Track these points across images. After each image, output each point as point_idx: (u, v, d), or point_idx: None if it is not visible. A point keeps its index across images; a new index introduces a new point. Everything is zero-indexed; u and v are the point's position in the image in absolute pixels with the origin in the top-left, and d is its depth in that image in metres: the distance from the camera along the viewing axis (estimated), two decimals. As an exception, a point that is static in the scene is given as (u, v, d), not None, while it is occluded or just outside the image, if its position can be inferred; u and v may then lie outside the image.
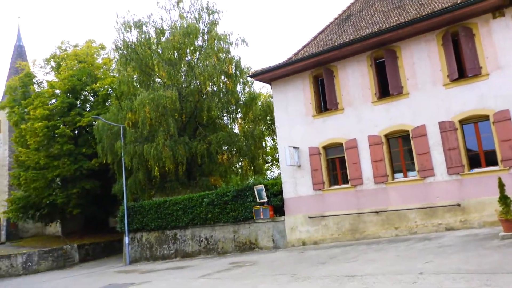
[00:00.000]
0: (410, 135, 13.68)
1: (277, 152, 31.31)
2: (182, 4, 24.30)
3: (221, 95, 23.09)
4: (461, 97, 12.76)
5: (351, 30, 15.97)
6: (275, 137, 28.69)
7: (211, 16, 23.70)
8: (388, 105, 14.23)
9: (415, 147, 13.53)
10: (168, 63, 22.86)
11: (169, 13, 24.92)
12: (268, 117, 23.90)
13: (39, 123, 28.58)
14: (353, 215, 14.61)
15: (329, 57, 15.33)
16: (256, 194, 16.90)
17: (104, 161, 24.72)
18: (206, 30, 23.60)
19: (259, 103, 24.65)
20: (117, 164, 24.39)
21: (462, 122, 12.86)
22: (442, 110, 13.07)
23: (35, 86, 34.02)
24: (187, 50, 23.09)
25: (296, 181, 16.14)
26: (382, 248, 11.68)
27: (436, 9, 13.06)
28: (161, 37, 23.76)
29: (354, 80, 15.05)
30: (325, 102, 16.10)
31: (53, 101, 31.42)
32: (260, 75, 17.01)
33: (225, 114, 24.51)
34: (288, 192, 16.36)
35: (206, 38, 23.54)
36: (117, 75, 29.58)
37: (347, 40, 15.07)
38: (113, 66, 32.72)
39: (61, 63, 32.37)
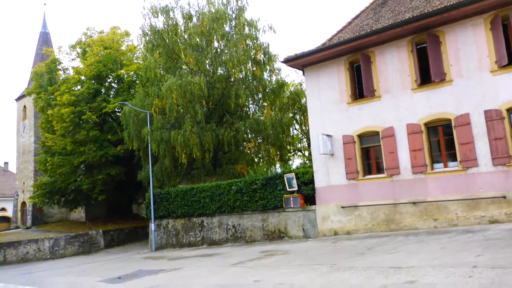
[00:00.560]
0: (453, 124, 13.11)
1: (299, 142, 31.13)
2: (210, -11, 23.94)
3: (248, 82, 22.73)
4: (511, 84, 12.12)
5: (389, 15, 15.39)
6: (300, 126, 28.33)
7: (239, 1, 23.26)
8: (429, 92, 13.65)
9: (457, 136, 12.97)
10: (195, 49, 22.56)
11: (196, -2, 24.58)
12: (296, 106, 23.45)
13: (65, 109, 28.75)
14: (389, 205, 14.18)
15: (367, 42, 14.80)
16: (286, 182, 16.60)
17: (130, 148, 24.72)
18: (234, 16, 23.18)
19: (287, 91, 24.19)
20: (143, 150, 24.38)
21: (510, 111, 12.23)
22: (488, 98, 12.46)
23: (61, 72, 34.25)
24: (215, 36, 22.69)
25: (329, 170, 15.76)
26: (422, 240, 11.31)
27: (484, -8, 12.40)
28: (189, 23, 23.42)
29: (393, 66, 14.50)
30: (360, 89, 15.61)
31: (79, 87, 31.57)
32: (293, 61, 16.54)
33: (251, 102, 24.18)
34: (320, 181, 15.99)
35: (233, 24, 23.12)
36: (142, 62, 29.54)
37: (385, 25, 14.52)
38: (138, 53, 32.69)
39: (86, 49, 32.43)
